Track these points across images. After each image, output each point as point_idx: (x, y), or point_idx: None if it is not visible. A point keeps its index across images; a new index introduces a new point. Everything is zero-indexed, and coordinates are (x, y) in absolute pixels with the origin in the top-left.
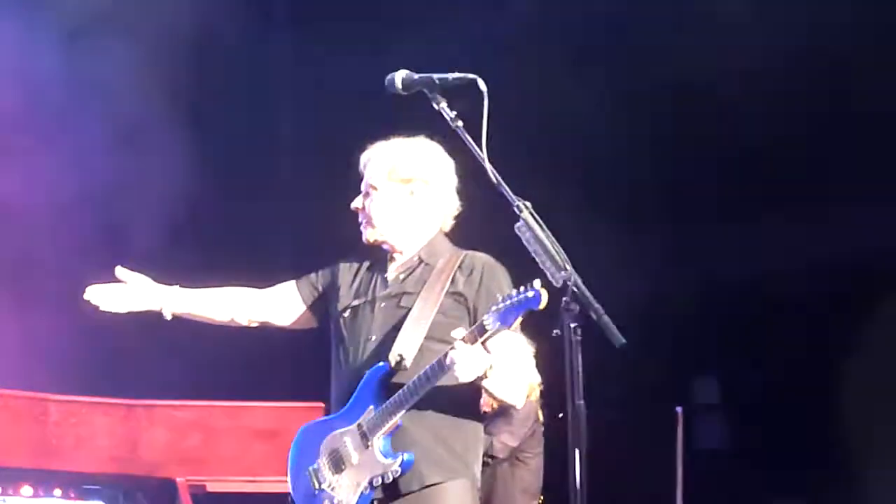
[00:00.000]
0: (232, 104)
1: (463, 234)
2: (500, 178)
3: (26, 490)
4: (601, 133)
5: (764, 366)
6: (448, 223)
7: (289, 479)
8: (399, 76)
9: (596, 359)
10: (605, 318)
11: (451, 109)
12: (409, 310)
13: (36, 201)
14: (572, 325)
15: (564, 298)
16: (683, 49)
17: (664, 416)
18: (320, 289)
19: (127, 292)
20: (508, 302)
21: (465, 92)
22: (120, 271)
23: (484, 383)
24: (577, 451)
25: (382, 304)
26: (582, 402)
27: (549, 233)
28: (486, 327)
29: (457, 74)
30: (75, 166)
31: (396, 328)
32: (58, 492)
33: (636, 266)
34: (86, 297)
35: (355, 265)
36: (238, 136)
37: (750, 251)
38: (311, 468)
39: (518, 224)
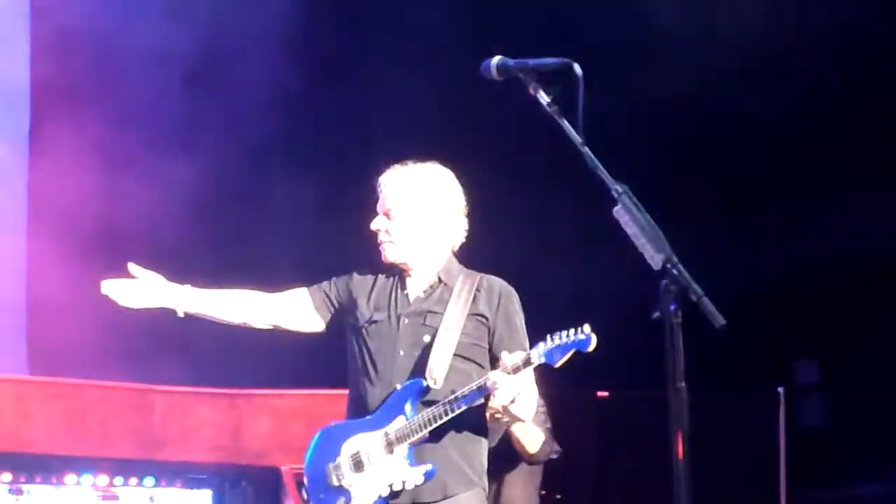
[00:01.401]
0: None
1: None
2: (597, 161)
3: (135, 480)
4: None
5: (865, 346)
6: (458, 244)
7: (305, 471)
8: (495, 62)
9: (696, 340)
10: (705, 299)
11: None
12: (435, 328)
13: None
14: (672, 308)
15: (664, 281)
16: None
17: (765, 396)
18: (333, 298)
19: (141, 289)
20: (559, 341)
21: (559, 77)
22: (133, 268)
23: (510, 406)
24: (679, 434)
25: (407, 321)
26: (683, 384)
27: (647, 216)
28: (531, 361)
29: (552, 59)
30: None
31: (423, 345)
32: (164, 482)
33: (737, 246)
34: (102, 290)
35: (370, 278)
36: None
37: (855, 230)
38: (330, 464)
39: (616, 208)
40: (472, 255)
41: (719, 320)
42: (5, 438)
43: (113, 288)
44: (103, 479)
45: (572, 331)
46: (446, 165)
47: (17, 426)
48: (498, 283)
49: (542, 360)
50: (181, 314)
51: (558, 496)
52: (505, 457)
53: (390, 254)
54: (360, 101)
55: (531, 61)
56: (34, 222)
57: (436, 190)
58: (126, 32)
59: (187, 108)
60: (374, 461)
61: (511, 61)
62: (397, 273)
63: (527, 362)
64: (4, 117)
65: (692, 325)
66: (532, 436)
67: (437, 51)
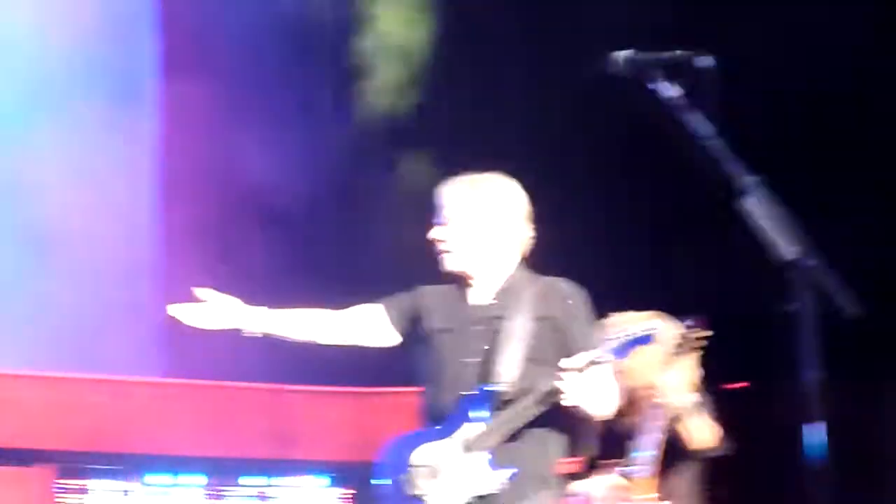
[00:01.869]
0: None
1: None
2: (728, 153)
3: (264, 479)
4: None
5: None
6: (525, 251)
7: (379, 484)
8: (622, 55)
9: (831, 329)
10: (840, 288)
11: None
12: (504, 334)
13: None
14: (806, 298)
15: (796, 272)
16: None
17: None
18: (407, 311)
19: (211, 311)
20: (625, 338)
21: (685, 70)
22: (199, 292)
23: (584, 405)
24: (817, 425)
25: (476, 329)
26: (819, 373)
27: (778, 208)
28: (600, 359)
29: (680, 52)
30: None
31: (493, 350)
32: (297, 480)
33: (871, 234)
34: (169, 313)
35: (438, 290)
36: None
37: None
38: (403, 476)
39: (748, 199)
40: (541, 260)
41: (854, 309)
42: (144, 440)
43: (180, 312)
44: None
45: (639, 326)
46: (512, 176)
47: (155, 428)
48: (564, 284)
49: (611, 356)
50: (248, 335)
51: (720, 491)
52: (670, 451)
53: (449, 263)
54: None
55: (658, 54)
56: (167, 213)
57: (494, 198)
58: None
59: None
60: (451, 469)
61: (639, 55)
62: (462, 283)
63: (594, 360)
64: (134, 86)
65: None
66: (693, 430)
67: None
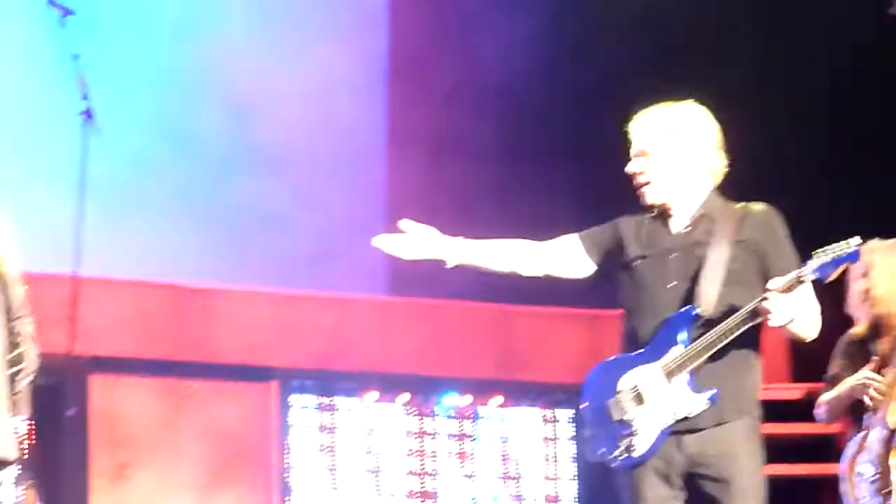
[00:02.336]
0: None
1: None
2: None
3: (496, 400)
4: None
5: None
6: (718, 179)
7: (584, 408)
8: None
9: None
10: None
11: None
12: (703, 259)
13: None
14: None
15: None
16: None
17: None
18: (604, 242)
19: (413, 242)
20: (830, 256)
21: None
22: (404, 223)
23: (789, 325)
24: None
25: (675, 255)
26: None
27: None
28: (803, 278)
29: None
30: None
31: (693, 276)
32: (525, 402)
33: None
34: (373, 244)
35: (635, 220)
36: None
37: None
38: (610, 400)
39: None
40: (734, 187)
41: None
42: (370, 358)
43: (384, 242)
44: (466, 399)
45: (843, 244)
46: (702, 104)
47: (381, 346)
48: (761, 207)
49: (815, 275)
50: (450, 266)
51: None
52: None
53: (650, 195)
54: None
55: None
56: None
57: (689, 127)
58: None
59: None
60: (655, 392)
61: None
62: (660, 213)
63: (799, 280)
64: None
65: None
66: None
67: None
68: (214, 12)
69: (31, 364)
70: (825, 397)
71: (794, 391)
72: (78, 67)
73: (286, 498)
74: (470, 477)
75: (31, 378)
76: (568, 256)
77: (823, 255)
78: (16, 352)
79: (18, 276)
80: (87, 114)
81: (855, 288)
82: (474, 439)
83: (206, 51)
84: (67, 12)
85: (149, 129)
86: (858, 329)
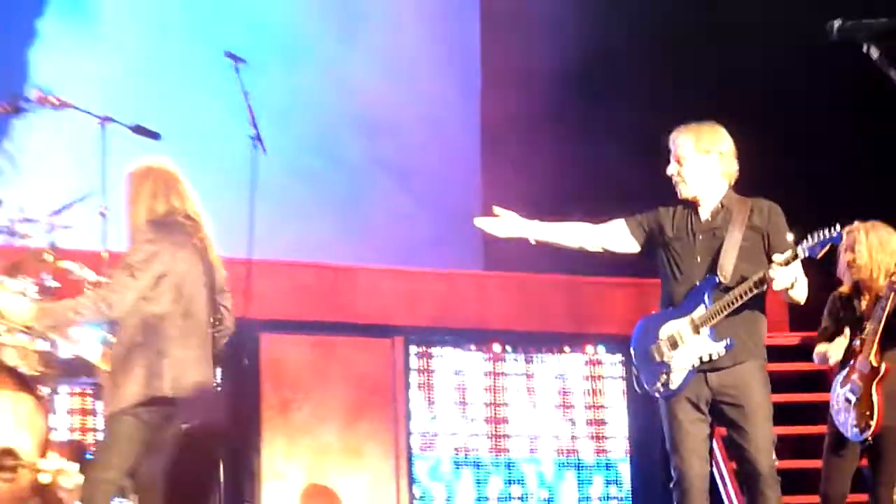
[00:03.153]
0: None
1: None
2: None
3: (563, 347)
4: None
5: None
6: (733, 180)
7: (633, 351)
8: (836, 23)
9: None
10: None
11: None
12: (722, 240)
13: None
14: None
15: None
16: None
17: None
18: (645, 225)
19: (503, 223)
20: (818, 238)
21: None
22: (497, 209)
23: (788, 291)
24: None
25: (701, 237)
26: None
27: None
28: (798, 255)
29: (885, 20)
30: None
31: (714, 253)
32: (580, 349)
33: None
34: (475, 223)
35: (671, 209)
36: None
37: None
38: (653, 345)
39: None
40: (745, 186)
41: None
42: (470, 320)
43: (483, 223)
44: (539, 346)
45: (827, 229)
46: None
47: (478, 311)
48: (766, 202)
49: (806, 253)
50: (532, 242)
51: None
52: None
53: (683, 190)
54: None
55: (869, 21)
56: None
57: (714, 140)
58: None
59: None
60: (686, 340)
61: (849, 22)
62: (690, 204)
63: (794, 256)
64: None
65: None
66: None
67: None
68: (349, 55)
69: (228, 329)
70: (821, 348)
71: (792, 338)
72: (248, 101)
73: (409, 422)
74: (534, 406)
75: (227, 339)
76: (617, 236)
77: (813, 238)
78: (219, 319)
79: (220, 262)
80: (256, 137)
81: (842, 259)
82: (536, 377)
83: (344, 84)
84: (239, 60)
85: (301, 146)
86: (843, 289)
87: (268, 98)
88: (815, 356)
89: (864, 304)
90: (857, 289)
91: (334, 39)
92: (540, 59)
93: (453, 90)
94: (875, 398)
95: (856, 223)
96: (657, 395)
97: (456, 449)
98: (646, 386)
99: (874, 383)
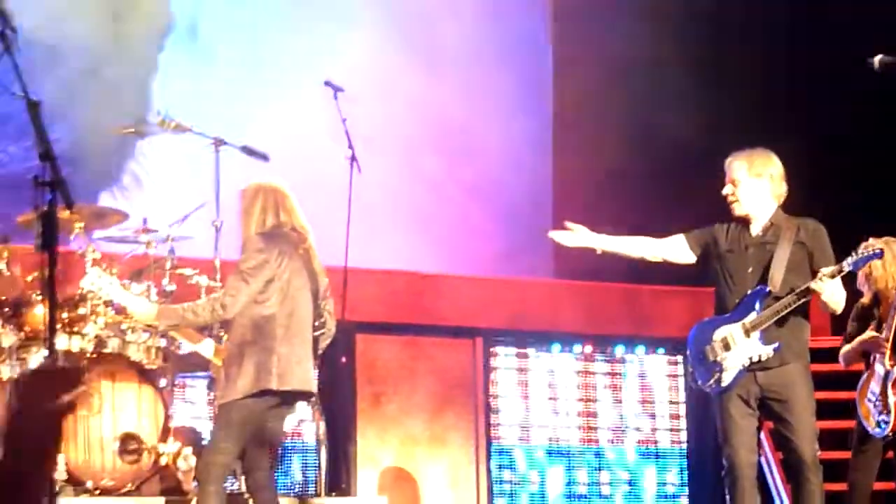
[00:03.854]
0: None
1: None
2: None
3: (629, 349)
4: None
5: None
6: (781, 201)
7: (689, 352)
8: (878, 59)
9: None
10: None
11: None
12: (772, 254)
13: None
14: None
15: None
16: None
17: None
18: (702, 239)
19: (574, 236)
20: (861, 254)
21: None
22: (569, 224)
23: (829, 300)
24: None
25: (752, 250)
26: None
27: None
28: (843, 269)
29: None
30: None
31: (765, 265)
32: (652, 351)
33: None
34: (549, 235)
35: (725, 226)
36: None
37: None
38: (707, 346)
39: None
40: (793, 206)
41: None
42: (541, 323)
43: (557, 235)
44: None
45: (870, 247)
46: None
47: (550, 316)
48: (812, 222)
49: (850, 268)
50: (599, 252)
51: None
52: None
53: (737, 209)
54: None
55: None
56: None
57: (765, 164)
58: None
59: None
60: (737, 342)
61: (889, 58)
62: (743, 221)
63: (840, 270)
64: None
65: None
66: None
67: None
68: (431, 86)
69: (330, 331)
70: (844, 349)
71: (833, 341)
72: (345, 126)
73: (492, 416)
74: (619, 403)
75: (329, 340)
76: (677, 249)
77: (857, 255)
78: (322, 322)
79: (322, 270)
80: (352, 158)
81: (861, 272)
82: (622, 376)
83: (428, 113)
84: (338, 89)
85: (391, 167)
86: (864, 300)
87: (362, 123)
88: (840, 358)
89: (881, 311)
90: (876, 298)
91: (419, 72)
92: (607, 96)
93: (527, 118)
94: (891, 398)
95: (871, 240)
96: (709, 390)
97: (521, 439)
98: (699, 382)
99: (890, 384)
